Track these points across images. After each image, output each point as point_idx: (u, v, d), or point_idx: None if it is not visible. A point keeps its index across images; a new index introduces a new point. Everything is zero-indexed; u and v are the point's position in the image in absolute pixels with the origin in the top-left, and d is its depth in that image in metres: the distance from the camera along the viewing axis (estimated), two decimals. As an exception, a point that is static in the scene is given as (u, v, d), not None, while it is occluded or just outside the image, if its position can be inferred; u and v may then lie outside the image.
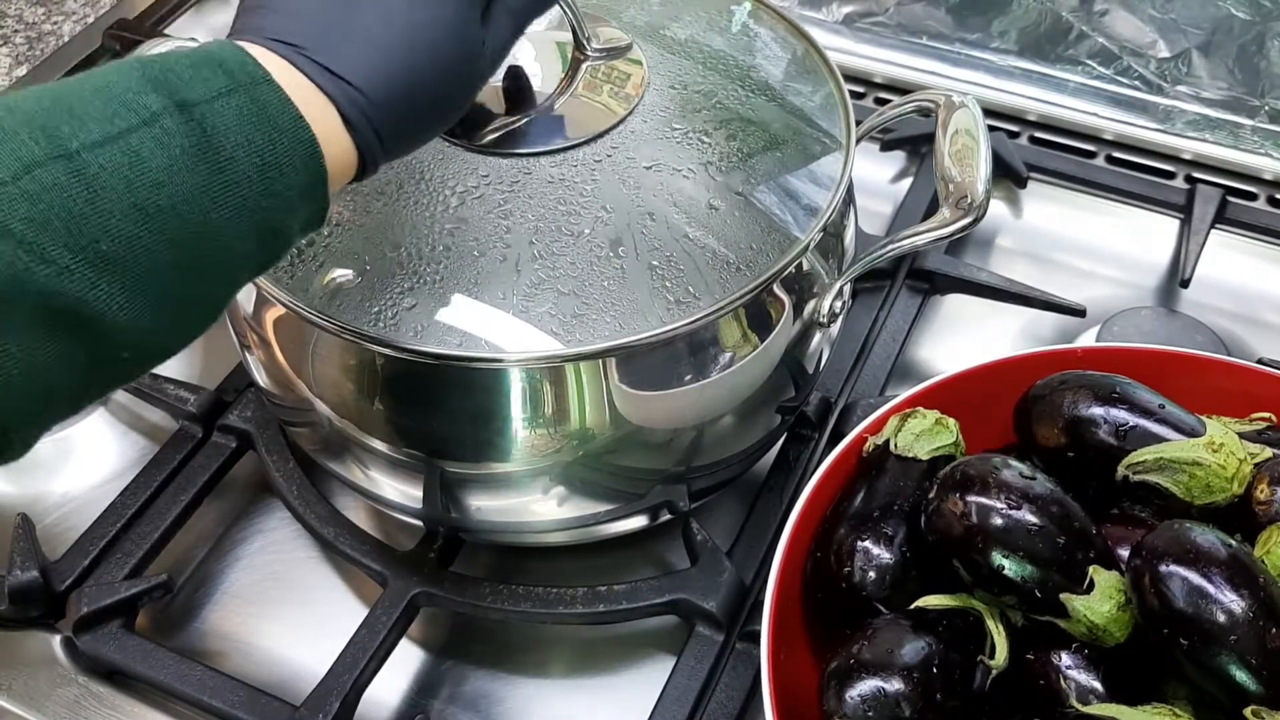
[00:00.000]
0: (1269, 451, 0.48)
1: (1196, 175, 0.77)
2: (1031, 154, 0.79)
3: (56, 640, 0.56)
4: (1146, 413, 0.48)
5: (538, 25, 0.49)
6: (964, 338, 0.70)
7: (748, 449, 0.55)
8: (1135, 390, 0.49)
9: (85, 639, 0.54)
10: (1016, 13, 0.81)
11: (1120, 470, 0.48)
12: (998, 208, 0.78)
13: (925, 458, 0.50)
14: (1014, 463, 0.46)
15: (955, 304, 0.71)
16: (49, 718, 0.53)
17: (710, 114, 0.52)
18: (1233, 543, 0.42)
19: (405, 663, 0.56)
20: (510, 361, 0.46)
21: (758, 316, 0.49)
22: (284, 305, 0.47)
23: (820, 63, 0.57)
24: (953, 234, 0.50)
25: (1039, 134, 0.81)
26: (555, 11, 0.50)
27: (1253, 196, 0.76)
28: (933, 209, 0.69)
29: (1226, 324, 0.70)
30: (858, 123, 0.56)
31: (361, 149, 0.39)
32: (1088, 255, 0.75)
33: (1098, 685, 0.44)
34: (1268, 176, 0.77)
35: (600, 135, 0.50)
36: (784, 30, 0.58)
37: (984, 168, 0.50)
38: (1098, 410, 0.49)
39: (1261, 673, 0.40)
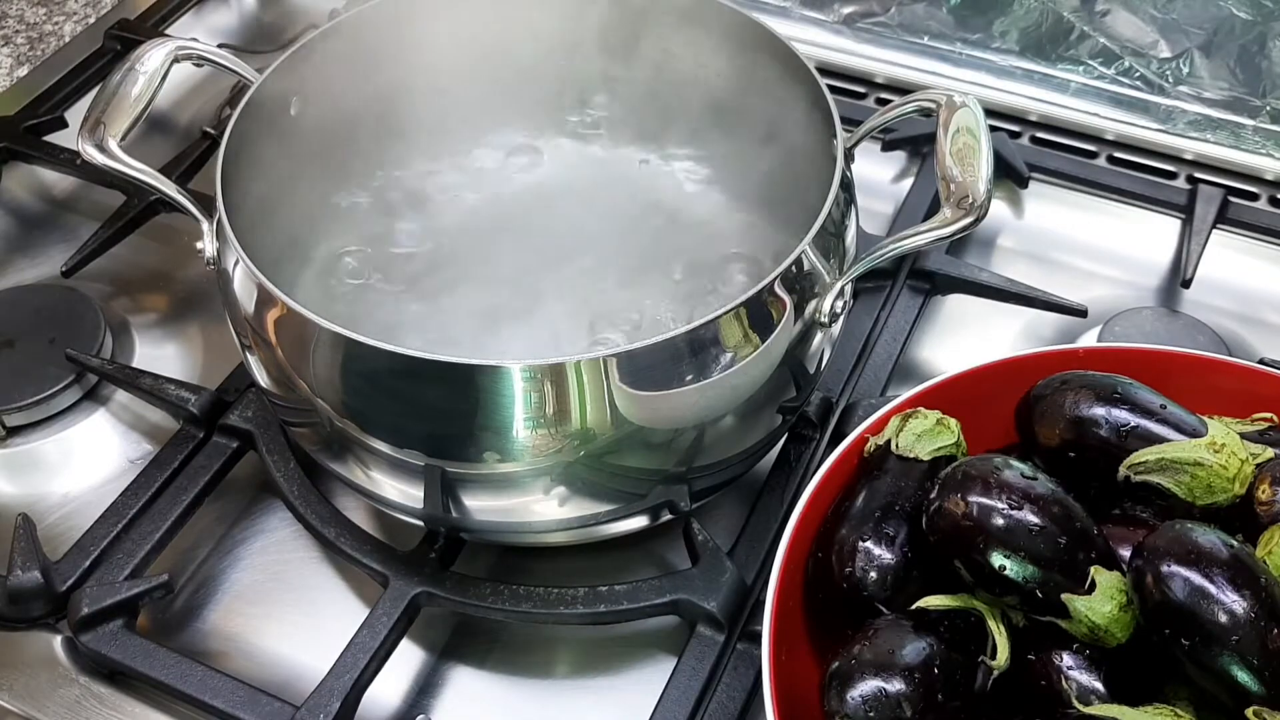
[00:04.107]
0: (1270, 452, 0.48)
1: (1198, 175, 0.77)
2: (1033, 154, 0.79)
3: (57, 640, 0.56)
4: (1148, 413, 0.48)
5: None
6: (965, 338, 0.70)
7: (749, 449, 0.55)
8: (1137, 390, 0.49)
9: (86, 639, 0.54)
10: (1018, 13, 0.81)
11: (1122, 471, 0.48)
12: (999, 208, 0.78)
13: (926, 458, 0.50)
14: (1015, 463, 0.46)
15: (957, 304, 0.71)
16: (50, 718, 0.53)
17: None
18: (1234, 543, 0.42)
19: (406, 663, 0.56)
20: (510, 361, 0.46)
21: (759, 316, 0.49)
22: (285, 305, 0.47)
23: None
24: (954, 234, 0.50)
25: (1040, 134, 0.80)
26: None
27: (1254, 197, 0.76)
28: (934, 209, 0.69)
29: (1228, 324, 0.70)
30: (858, 123, 0.56)
31: None
32: (1089, 255, 0.75)
33: (1099, 686, 0.44)
34: (1269, 177, 0.77)
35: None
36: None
37: (985, 168, 0.50)
38: (1099, 410, 0.49)
39: (1263, 673, 0.40)
